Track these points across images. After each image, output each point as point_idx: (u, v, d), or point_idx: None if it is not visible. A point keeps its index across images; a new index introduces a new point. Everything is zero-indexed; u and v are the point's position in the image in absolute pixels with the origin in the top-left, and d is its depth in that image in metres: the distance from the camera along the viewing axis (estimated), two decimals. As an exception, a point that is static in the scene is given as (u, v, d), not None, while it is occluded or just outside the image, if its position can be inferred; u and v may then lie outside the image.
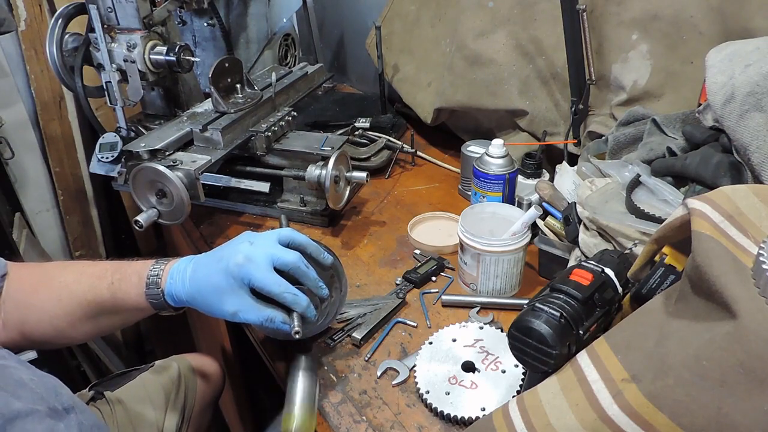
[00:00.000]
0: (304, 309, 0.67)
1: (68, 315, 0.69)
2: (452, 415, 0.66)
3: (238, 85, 1.15)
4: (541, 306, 0.55)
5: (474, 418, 0.65)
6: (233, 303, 0.65)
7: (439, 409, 0.67)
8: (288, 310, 0.68)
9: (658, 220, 0.70)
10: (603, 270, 0.60)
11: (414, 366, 0.73)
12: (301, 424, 0.65)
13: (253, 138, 1.08)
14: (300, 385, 0.68)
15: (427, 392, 0.68)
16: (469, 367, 0.72)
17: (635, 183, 0.78)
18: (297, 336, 0.66)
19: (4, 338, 0.69)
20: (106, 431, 0.61)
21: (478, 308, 0.84)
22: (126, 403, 0.93)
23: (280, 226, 0.93)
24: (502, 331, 0.78)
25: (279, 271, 0.66)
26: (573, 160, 1.01)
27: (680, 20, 0.91)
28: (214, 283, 0.65)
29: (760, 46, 0.71)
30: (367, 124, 1.31)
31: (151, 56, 1.07)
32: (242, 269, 0.65)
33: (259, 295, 0.67)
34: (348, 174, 1.04)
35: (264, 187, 1.03)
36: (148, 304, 0.68)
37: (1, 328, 0.69)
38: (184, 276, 0.68)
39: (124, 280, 0.69)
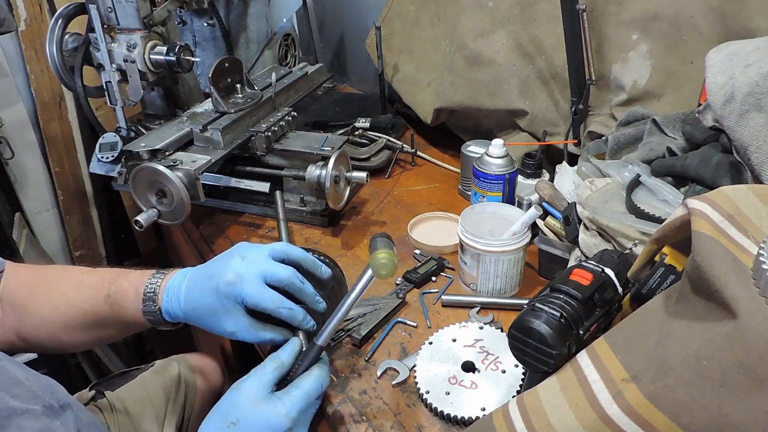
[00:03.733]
0: (300, 323, 0.66)
1: (65, 323, 0.69)
2: (452, 415, 0.66)
3: (238, 85, 1.15)
4: (541, 306, 0.55)
5: (474, 418, 0.65)
6: (230, 323, 0.65)
7: (439, 409, 0.67)
8: (287, 324, 0.67)
9: (658, 220, 0.70)
10: (603, 270, 0.60)
11: (414, 366, 0.73)
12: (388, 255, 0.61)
13: (253, 138, 1.08)
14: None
15: (427, 392, 0.68)
16: (469, 367, 0.72)
17: (635, 183, 0.78)
18: None
19: (2, 339, 0.69)
20: (103, 430, 0.61)
21: (478, 308, 0.84)
22: (126, 403, 0.93)
23: (275, 206, 0.90)
24: (502, 331, 0.78)
25: (275, 286, 0.66)
26: (573, 160, 1.01)
27: (680, 20, 0.91)
28: (207, 303, 0.65)
29: (760, 46, 0.71)
30: (367, 124, 1.31)
31: (151, 56, 1.07)
32: (234, 288, 0.63)
33: (257, 311, 0.66)
34: (348, 174, 1.04)
35: (264, 187, 1.03)
36: (146, 320, 0.68)
37: None
38: (179, 293, 0.67)
39: (121, 294, 0.68)
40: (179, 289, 0.67)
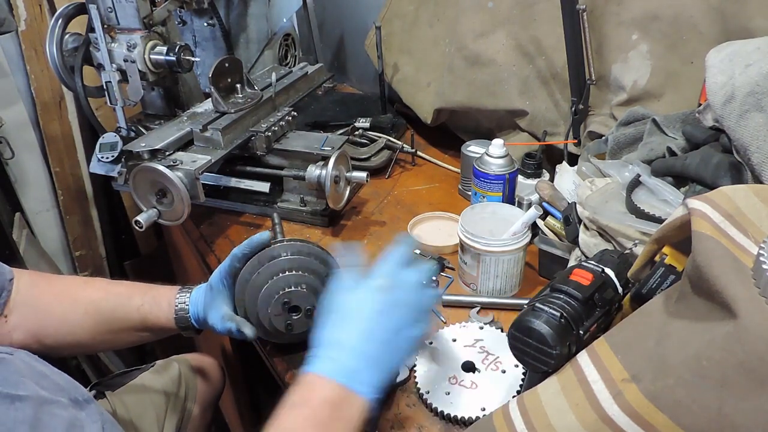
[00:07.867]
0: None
1: (93, 327, 0.74)
2: (452, 415, 0.66)
3: (238, 85, 1.14)
4: (541, 306, 0.55)
5: (474, 418, 0.65)
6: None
7: (439, 409, 0.67)
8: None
9: (658, 220, 0.70)
10: (603, 270, 0.60)
11: (414, 366, 0.73)
12: None
13: (253, 138, 1.08)
14: None
15: (427, 392, 0.68)
16: (469, 367, 0.72)
17: (635, 183, 0.78)
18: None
19: (17, 342, 0.70)
20: (119, 428, 0.62)
21: (478, 308, 0.84)
22: (127, 403, 0.93)
23: (273, 224, 0.93)
24: (502, 331, 0.78)
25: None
26: (573, 160, 1.01)
27: (680, 20, 0.91)
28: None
29: (760, 46, 0.71)
30: (367, 124, 1.31)
31: (151, 56, 1.07)
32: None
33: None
34: (348, 174, 1.04)
35: (264, 187, 1.03)
36: (176, 327, 0.76)
37: (12, 331, 0.70)
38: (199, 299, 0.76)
39: (155, 305, 0.75)
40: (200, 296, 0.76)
